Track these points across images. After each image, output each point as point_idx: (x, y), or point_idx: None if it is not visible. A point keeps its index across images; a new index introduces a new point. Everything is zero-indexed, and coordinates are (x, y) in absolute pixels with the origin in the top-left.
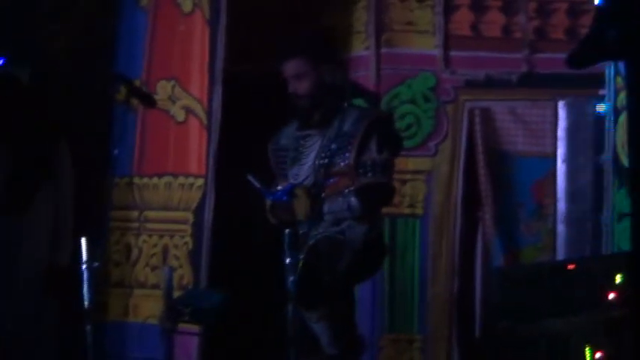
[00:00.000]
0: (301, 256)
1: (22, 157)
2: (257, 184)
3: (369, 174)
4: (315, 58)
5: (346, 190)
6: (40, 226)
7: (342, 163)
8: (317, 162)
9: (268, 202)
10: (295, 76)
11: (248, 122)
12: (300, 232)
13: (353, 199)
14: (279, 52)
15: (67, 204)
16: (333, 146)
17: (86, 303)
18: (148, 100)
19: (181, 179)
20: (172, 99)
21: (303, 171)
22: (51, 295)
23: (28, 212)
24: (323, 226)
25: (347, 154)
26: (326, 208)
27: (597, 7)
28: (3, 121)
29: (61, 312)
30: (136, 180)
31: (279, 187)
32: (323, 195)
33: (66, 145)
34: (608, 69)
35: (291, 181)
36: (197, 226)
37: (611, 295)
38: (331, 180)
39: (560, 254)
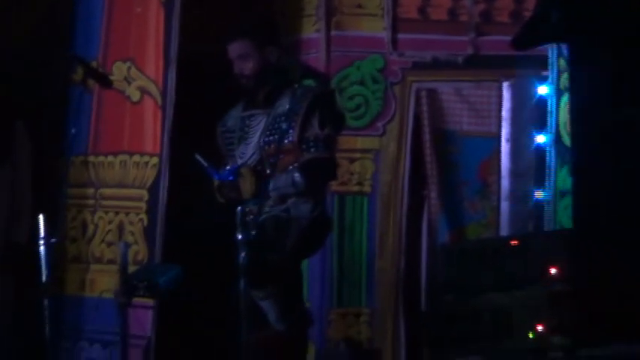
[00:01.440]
0: (252, 232)
1: None
2: (204, 164)
3: (312, 149)
4: (259, 39)
5: (290, 167)
6: None
7: (285, 140)
8: (262, 140)
9: (216, 181)
10: (240, 56)
11: (202, 102)
12: (248, 209)
13: (297, 175)
14: (227, 34)
15: (25, 183)
16: (277, 125)
17: (44, 277)
18: (104, 81)
19: (136, 157)
20: (128, 80)
21: (249, 150)
22: (8, 271)
23: None
24: (269, 204)
25: (290, 131)
26: (271, 185)
27: None
28: None
29: (20, 286)
30: (92, 158)
31: (228, 167)
32: (268, 172)
33: (22, 126)
34: (552, 51)
35: (238, 160)
36: (152, 203)
37: (553, 270)
38: (275, 158)
39: (504, 231)
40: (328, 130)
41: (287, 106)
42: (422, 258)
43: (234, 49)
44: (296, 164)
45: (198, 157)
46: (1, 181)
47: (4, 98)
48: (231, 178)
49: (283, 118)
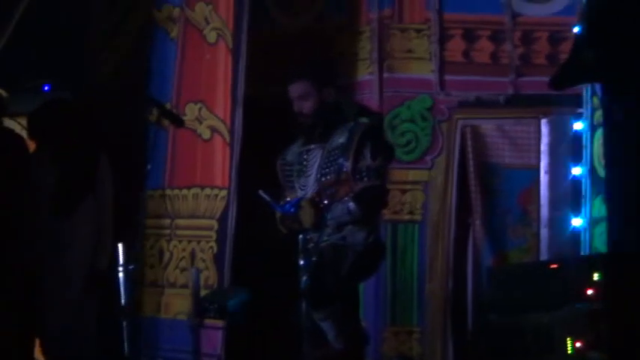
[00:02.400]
0: (313, 258)
1: (67, 170)
2: (267, 199)
3: (365, 179)
4: (317, 80)
5: (346, 197)
6: (83, 233)
7: (339, 173)
8: (319, 173)
9: (278, 214)
10: (300, 96)
11: (266, 139)
12: (309, 237)
13: (351, 204)
14: (287, 75)
15: (107, 214)
16: (333, 158)
17: (123, 301)
18: (178, 121)
19: (207, 190)
20: (199, 119)
21: (309, 182)
22: (90, 295)
23: (73, 219)
24: (327, 233)
25: (345, 164)
26: (329, 215)
27: (576, 34)
28: (49, 137)
29: (102, 309)
30: (168, 192)
31: (288, 199)
32: (325, 203)
33: (106, 161)
34: (586, 90)
35: (299, 192)
36: (221, 232)
37: (590, 291)
38: (332, 189)
39: (543, 255)
40: (379, 160)
41: (342, 140)
42: (468, 280)
43: (295, 89)
44: (351, 194)
45: (261, 192)
46: (86, 211)
47: (88, 132)
48: (292, 210)
49: (338, 151)
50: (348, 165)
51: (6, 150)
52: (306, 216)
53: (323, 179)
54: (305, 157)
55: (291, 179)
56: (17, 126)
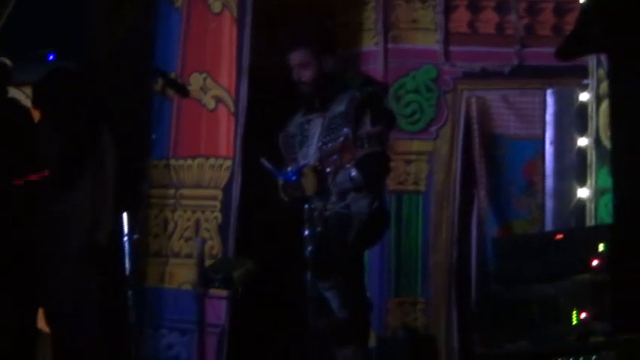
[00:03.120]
0: (318, 227)
1: (68, 140)
2: (270, 167)
3: (366, 145)
4: (317, 49)
5: (347, 164)
6: (82, 204)
7: (341, 139)
8: (320, 141)
9: (280, 181)
10: (300, 64)
11: (271, 109)
12: (313, 206)
13: (353, 170)
14: (288, 44)
15: (107, 186)
16: (334, 125)
17: (127, 271)
18: (182, 91)
19: (212, 160)
20: (204, 89)
21: (310, 151)
22: (90, 269)
23: (71, 192)
24: (332, 201)
25: (345, 131)
26: (331, 182)
27: (582, 5)
28: (53, 107)
29: (105, 279)
30: (172, 161)
31: (291, 168)
32: (328, 171)
33: (107, 132)
34: (592, 61)
35: (301, 161)
36: (225, 202)
37: (595, 262)
38: (334, 156)
39: (548, 226)
40: (379, 127)
41: (341, 109)
42: (472, 251)
43: (295, 57)
44: (352, 161)
45: (263, 160)
46: (84, 185)
47: (92, 103)
48: (294, 178)
49: (339, 119)
50: (348, 132)
51: (10, 120)
52: (309, 183)
53: (324, 147)
54: (306, 127)
55: (293, 151)
56: (22, 95)
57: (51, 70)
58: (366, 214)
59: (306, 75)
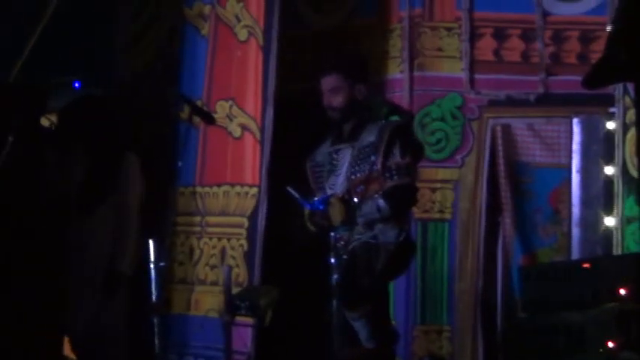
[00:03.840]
0: (344, 256)
1: (93, 166)
2: (296, 195)
3: (395, 177)
4: (350, 76)
5: (375, 195)
6: (101, 233)
7: (370, 171)
8: (349, 171)
9: (306, 210)
10: (331, 90)
11: (297, 137)
12: (339, 235)
13: (381, 201)
14: (321, 69)
15: (130, 214)
16: (363, 156)
17: (153, 298)
18: (209, 118)
19: (238, 188)
20: (230, 117)
21: (339, 180)
22: (112, 297)
23: (92, 218)
24: (358, 231)
25: (374, 162)
26: (358, 212)
27: (609, 33)
28: (78, 134)
29: (132, 306)
30: (198, 189)
31: (316, 198)
32: (355, 201)
33: (133, 159)
34: (618, 89)
35: (328, 190)
36: (251, 230)
37: (622, 291)
38: (362, 187)
39: (574, 255)
40: (408, 158)
41: (371, 139)
42: (498, 279)
43: (327, 82)
44: (380, 192)
45: (289, 189)
46: (106, 211)
47: (116, 130)
48: (321, 207)
49: (369, 150)
50: (377, 163)
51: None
52: (336, 213)
53: (353, 177)
54: (335, 156)
55: (321, 180)
56: (47, 122)
57: (76, 98)
58: (393, 244)
59: (337, 101)
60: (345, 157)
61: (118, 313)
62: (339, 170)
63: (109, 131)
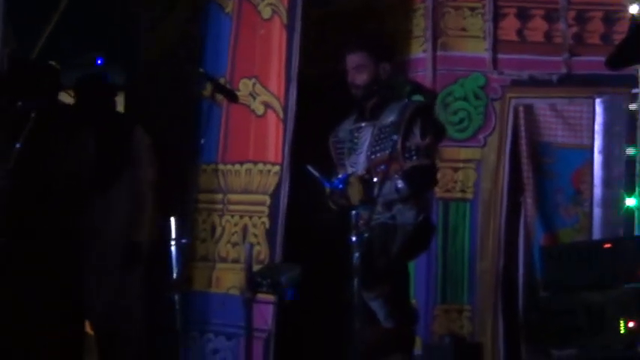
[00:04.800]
0: (365, 235)
1: (103, 145)
2: (316, 174)
3: (414, 157)
4: (375, 54)
5: (395, 175)
6: (119, 206)
7: (390, 150)
8: (370, 150)
9: (327, 189)
10: (356, 67)
11: (319, 116)
12: (360, 214)
13: (400, 182)
14: (347, 46)
15: (145, 186)
16: (384, 135)
17: (174, 275)
18: (231, 96)
19: (260, 166)
20: (253, 95)
21: (360, 159)
22: (130, 269)
23: (109, 193)
24: (378, 211)
25: (394, 141)
26: (377, 192)
27: (633, 15)
28: (89, 114)
29: (153, 283)
30: (221, 166)
31: (339, 176)
32: (375, 180)
33: (142, 133)
34: None
35: (349, 168)
36: (273, 207)
37: None
38: (382, 166)
39: (596, 235)
40: (429, 139)
41: (392, 119)
42: (519, 259)
43: (352, 59)
44: (400, 172)
45: (309, 167)
46: (122, 185)
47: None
48: (340, 186)
49: (390, 129)
50: (397, 143)
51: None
52: (354, 192)
53: (373, 157)
54: (356, 134)
55: (342, 156)
56: (69, 99)
57: (81, 77)
58: (411, 225)
59: (361, 79)
60: (367, 135)
61: (137, 292)
62: (360, 149)
63: (114, 108)
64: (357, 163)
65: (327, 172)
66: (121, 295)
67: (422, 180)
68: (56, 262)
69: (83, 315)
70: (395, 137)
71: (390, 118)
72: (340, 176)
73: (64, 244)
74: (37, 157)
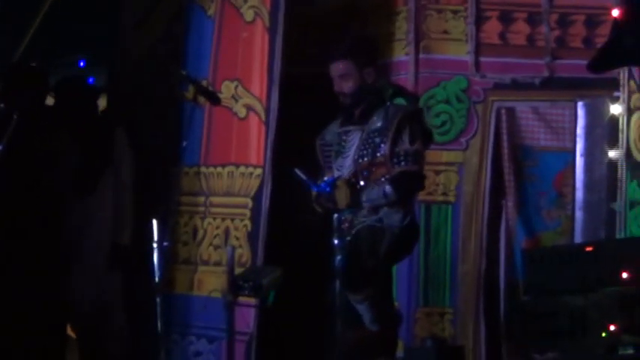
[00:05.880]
0: (348, 238)
1: (85, 147)
2: (303, 177)
3: (402, 163)
4: (359, 60)
5: (382, 179)
6: (102, 208)
7: (378, 155)
8: (357, 155)
9: (313, 192)
10: (341, 76)
11: (302, 118)
12: (344, 217)
13: (387, 187)
14: (328, 54)
15: (126, 188)
16: (371, 140)
17: (156, 278)
18: (214, 98)
19: (242, 169)
20: (235, 97)
21: (346, 163)
22: (114, 270)
23: (92, 195)
24: (363, 214)
25: (382, 146)
26: (364, 196)
27: (615, 18)
28: (71, 116)
29: (136, 285)
30: (203, 169)
31: (325, 179)
32: (361, 184)
33: (123, 134)
34: (623, 73)
35: (336, 172)
36: (255, 210)
37: (625, 274)
38: (368, 171)
39: (578, 238)
40: (417, 145)
41: (380, 124)
42: (500, 262)
43: (337, 68)
44: (387, 177)
45: (297, 170)
46: (104, 186)
47: (103, 112)
48: (327, 189)
49: (376, 133)
50: (385, 147)
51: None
52: (342, 195)
53: (360, 161)
54: (344, 137)
55: (329, 159)
56: (51, 100)
57: (60, 80)
58: (398, 227)
59: (348, 86)
60: (354, 139)
61: (118, 287)
62: (348, 152)
63: (96, 111)
64: (344, 167)
65: (313, 175)
66: (104, 296)
67: (409, 185)
68: (39, 263)
69: (67, 316)
70: (378, 140)
71: (378, 122)
72: (327, 179)
73: (47, 246)
74: (19, 159)
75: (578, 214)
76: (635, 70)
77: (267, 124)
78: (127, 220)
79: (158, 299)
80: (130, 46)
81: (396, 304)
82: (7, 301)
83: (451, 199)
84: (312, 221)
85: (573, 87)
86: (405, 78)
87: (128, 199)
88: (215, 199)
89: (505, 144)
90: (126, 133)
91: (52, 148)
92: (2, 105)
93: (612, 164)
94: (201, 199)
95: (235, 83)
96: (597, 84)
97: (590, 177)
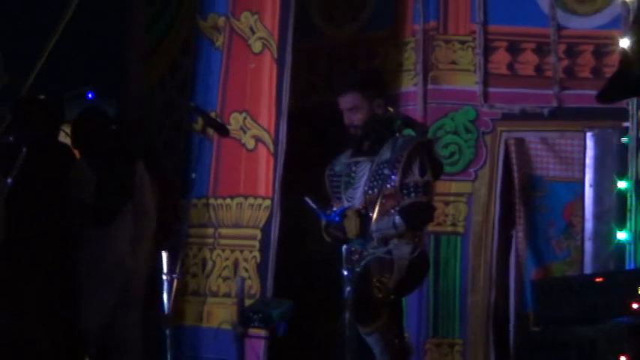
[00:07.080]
0: (357, 269)
1: (105, 180)
2: (313, 206)
3: (412, 194)
4: (368, 93)
5: (392, 210)
6: (121, 239)
7: (388, 186)
8: (367, 186)
9: (323, 222)
10: (351, 108)
11: (310, 151)
12: (353, 248)
13: (397, 218)
14: (337, 86)
15: (145, 219)
16: (380, 171)
17: (166, 309)
18: (222, 130)
19: (251, 200)
20: (243, 129)
21: (357, 194)
22: (129, 301)
23: (113, 225)
24: (372, 245)
25: (392, 177)
26: (374, 227)
27: (623, 49)
28: (88, 146)
29: (145, 318)
30: (212, 200)
31: (335, 209)
32: (371, 215)
33: (143, 167)
34: (632, 104)
35: (346, 203)
36: (264, 242)
37: (635, 305)
38: (378, 202)
39: (587, 269)
40: (427, 177)
41: (388, 155)
42: (510, 293)
43: (346, 101)
44: (397, 208)
45: (307, 199)
46: (124, 218)
47: (125, 141)
48: (337, 219)
49: (385, 165)
50: (395, 179)
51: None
52: (351, 225)
53: (370, 192)
54: (354, 169)
55: (338, 190)
56: (62, 133)
57: (82, 111)
58: (407, 259)
59: (358, 119)
60: (364, 170)
61: (134, 323)
62: (358, 183)
63: (117, 142)
64: (354, 198)
65: (322, 205)
66: (120, 326)
67: (419, 216)
68: (52, 293)
69: (81, 346)
70: (387, 172)
71: (387, 154)
72: (337, 209)
73: (61, 276)
74: (29, 192)
75: (588, 245)
76: None
77: (275, 155)
78: (145, 251)
79: (167, 331)
80: (138, 78)
81: (406, 335)
82: (20, 332)
83: (460, 229)
84: (322, 253)
85: (582, 117)
86: (413, 109)
87: (148, 230)
88: (224, 231)
89: (514, 174)
90: (145, 165)
91: (64, 180)
92: (11, 138)
93: (621, 194)
94: (210, 230)
95: (244, 115)
96: (606, 114)
97: (599, 207)
